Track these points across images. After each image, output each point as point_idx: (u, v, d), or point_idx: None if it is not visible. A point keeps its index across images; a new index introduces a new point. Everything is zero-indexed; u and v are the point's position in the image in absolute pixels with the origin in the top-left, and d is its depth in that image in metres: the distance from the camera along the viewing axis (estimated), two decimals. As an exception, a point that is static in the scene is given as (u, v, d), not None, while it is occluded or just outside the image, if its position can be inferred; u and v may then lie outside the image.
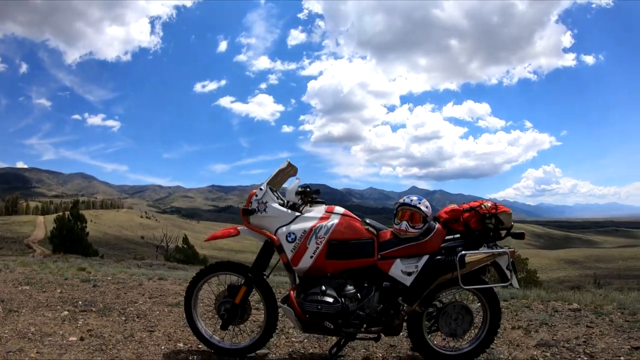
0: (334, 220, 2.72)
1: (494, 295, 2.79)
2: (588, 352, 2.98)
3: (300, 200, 2.93)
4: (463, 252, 2.61)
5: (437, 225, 2.73)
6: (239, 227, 2.89)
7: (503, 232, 2.75)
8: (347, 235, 2.68)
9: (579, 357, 2.92)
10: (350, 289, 2.64)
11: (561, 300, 4.59)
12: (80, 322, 3.41)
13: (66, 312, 3.63)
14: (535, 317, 3.86)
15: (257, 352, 2.96)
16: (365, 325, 2.65)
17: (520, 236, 2.75)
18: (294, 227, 2.73)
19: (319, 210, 2.83)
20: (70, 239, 27.30)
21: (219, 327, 2.91)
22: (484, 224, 2.67)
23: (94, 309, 3.82)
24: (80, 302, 3.98)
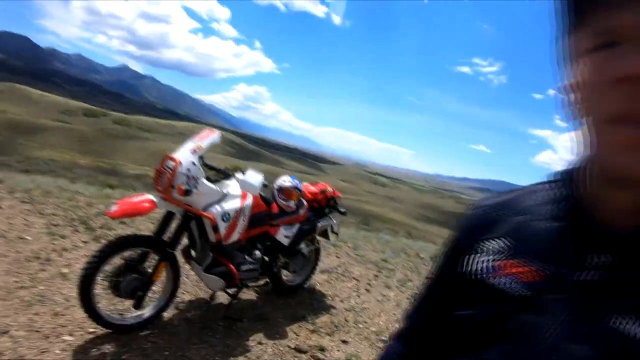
0: (250, 198, 3.11)
1: (319, 247, 4.05)
2: (354, 276, 4.53)
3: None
4: (319, 222, 3.76)
5: (306, 203, 3.70)
6: (154, 199, 2.63)
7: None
8: (257, 209, 3.18)
9: (351, 280, 4.39)
10: (257, 252, 3.27)
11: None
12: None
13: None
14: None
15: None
16: (257, 276, 3.33)
17: (344, 213, 4.10)
18: (226, 206, 2.89)
19: (234, 187, 3.03)
20: None
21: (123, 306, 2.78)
22: (328, 202, 3.91)
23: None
24: None
